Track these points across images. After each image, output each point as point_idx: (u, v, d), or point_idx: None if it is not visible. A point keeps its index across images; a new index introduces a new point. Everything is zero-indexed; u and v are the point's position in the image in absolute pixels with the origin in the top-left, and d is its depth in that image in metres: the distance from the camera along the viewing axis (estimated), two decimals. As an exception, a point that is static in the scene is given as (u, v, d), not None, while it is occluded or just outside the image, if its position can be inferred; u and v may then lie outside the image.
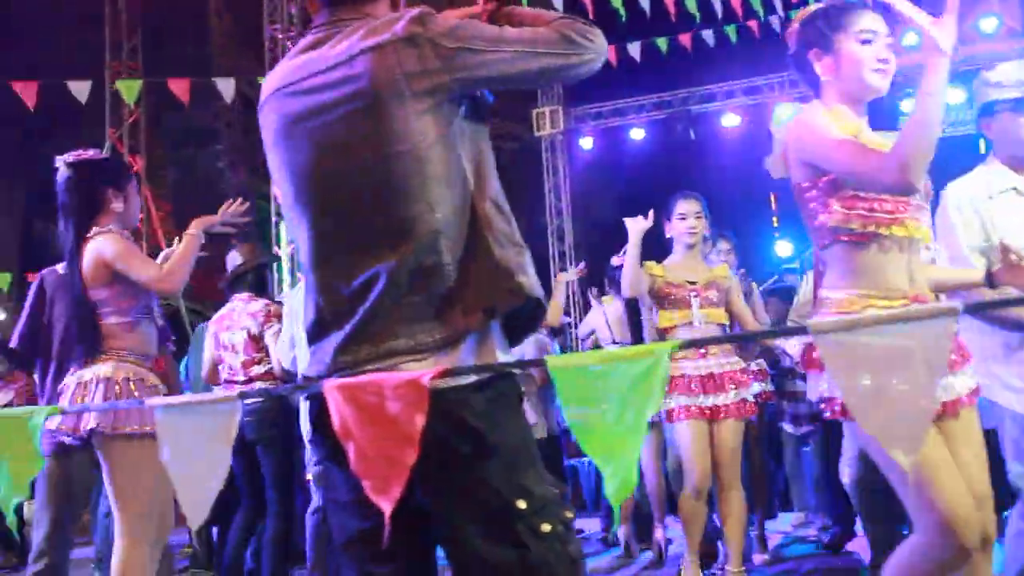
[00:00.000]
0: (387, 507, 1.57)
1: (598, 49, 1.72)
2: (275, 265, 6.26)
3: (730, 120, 13.23)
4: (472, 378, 1.59)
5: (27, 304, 3.63)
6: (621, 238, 4.22)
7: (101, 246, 3.10)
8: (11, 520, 1.91)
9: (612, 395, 1.47)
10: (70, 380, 3.11)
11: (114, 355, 3.09)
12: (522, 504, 1.61)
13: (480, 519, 1.60)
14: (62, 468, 3.52)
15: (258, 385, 4.59)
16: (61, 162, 3.24)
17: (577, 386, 1.50)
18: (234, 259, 4.88)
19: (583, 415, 1.49)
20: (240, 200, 3.44)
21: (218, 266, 5.06)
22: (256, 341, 4.63)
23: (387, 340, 1.62)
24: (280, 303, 4.78)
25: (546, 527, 1.61)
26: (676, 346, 1.49)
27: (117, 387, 3.00)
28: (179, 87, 7.91)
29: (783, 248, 14.24)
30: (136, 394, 2.98)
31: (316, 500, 4.42)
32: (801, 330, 1.58)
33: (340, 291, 1.66)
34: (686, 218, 4.23)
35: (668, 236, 4.33)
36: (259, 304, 4.69)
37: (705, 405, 4.00)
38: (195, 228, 3.25)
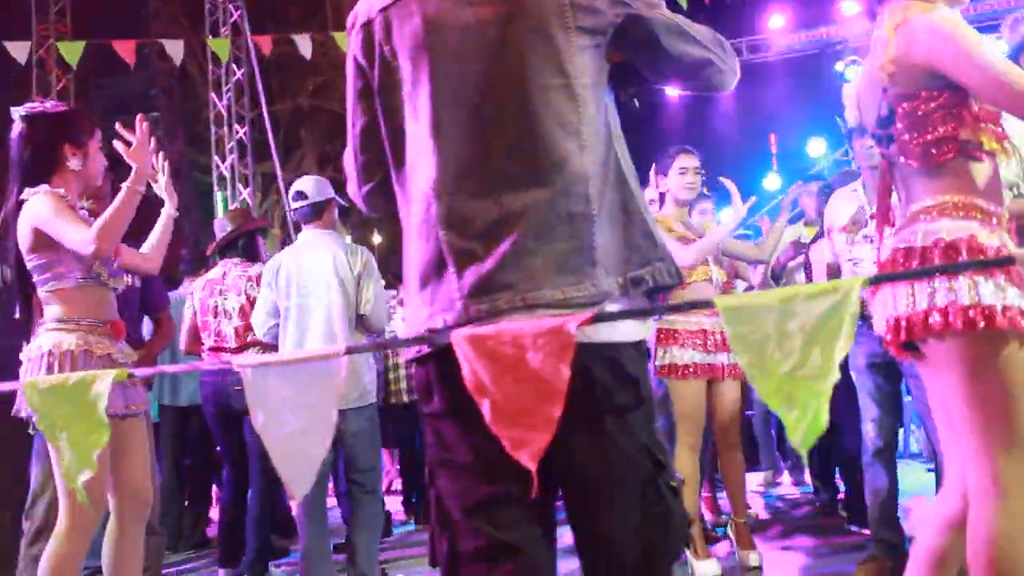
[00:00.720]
0: (532, 464, 1.43)
1: (736, 70, 1.67)
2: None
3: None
4: (631, 331, 1.50)
5: None
6: None
7: (32, 208, 2.81)
8: (82, 498, 1.70)
9: (793, 336, 1.35)
10: (23, 356, 2.87)
11: (58, 325, 2.84)
12: (660, 458, 1.55)
13: (627, 473, 1.50)
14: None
15: (251, 352, 4.37)
16: (16, 114, 2.95)
17: (752, 328, 1.38)
18: (223, 225, 4.65)
19: (759, 360, 1.37)
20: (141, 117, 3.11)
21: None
22: (253, 306, 4.41)
23: (531, 289, 1.48)
24: None
25: (674, 483, 1.57)
26: (866, 281, 1.37)
27: (58, 361, 2.75)
28: (124, 49, 7.50)
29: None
30: (80, 366, 2.75)
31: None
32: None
33: (473, 225, 1.51)
34: (686, 173, 4.15)
35: (661, 191, 4.25)
36: (257, 268, 4.47)
37: (706, 363, 3.99)
38: (132, 181, 2.88)
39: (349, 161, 1.75)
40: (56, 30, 10.67)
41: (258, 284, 4.38)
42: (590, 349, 1.44)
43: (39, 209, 2.79)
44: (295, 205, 4.21)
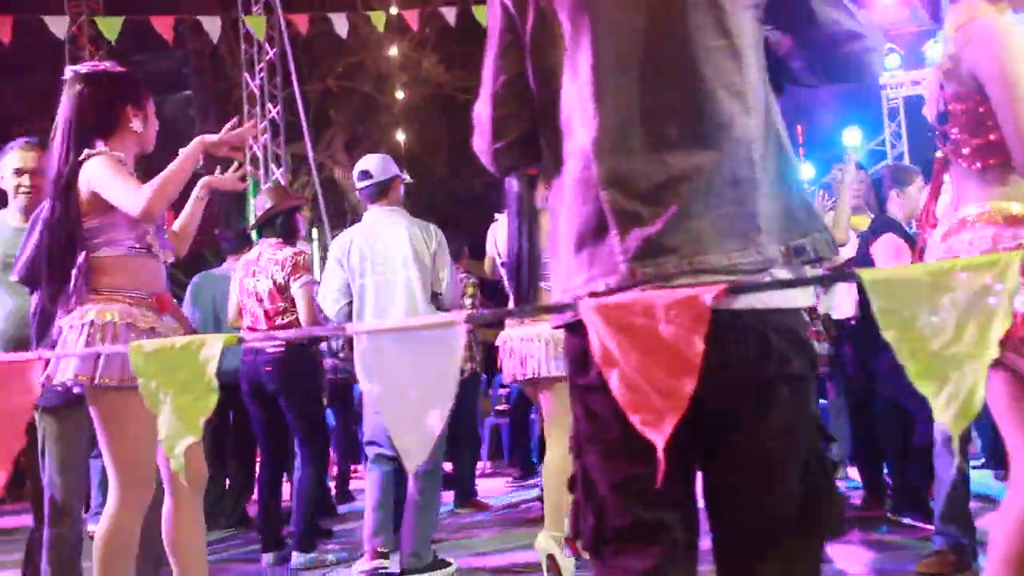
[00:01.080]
0: (660, 441, 1.39)
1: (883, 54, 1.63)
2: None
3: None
4: (802, 298, 1.47)
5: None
6: None
7: (91, 169, 2.75)
8: (178, 467, 1.66)
9: (946, 311, 1.31)
10: (62, 323, 2.81)
11: (103, 295, 2.78)
12: (824, 429, 1.52)
13: (796, 444, 1.45)
14: (59, 424, 3.29)
15: (282, 334, 4.37)
16: (72, 73, 2.90)
17: (900, 303, 1.33)
18: (263, 202, 4.63)
19: (908, 335, 1.32)
20: (252, 121, 3.08)
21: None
22: (281, 292, 4.40)
23: (697, 254, 1.43)
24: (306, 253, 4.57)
25: (832, 458, 1.51)
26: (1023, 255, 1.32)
27: (99, 332, 2.70)
28: (163, 24, 7.47)
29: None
30: (120, 339, 2.69)
31: (381, 450, 4.22)
32: None
33: (637, 186, 1.45)
34: None
35: None
36: (287, 252, 4.46)
37: None
38: (192, 147, 2.86)
39: (482, 115, 1.67)
40: (88, 7, 10.66)
41: (283, 268, 4.36)
42: (765, 315, 1.41)
43: (97, 170, 2.75)
44: (360, 185, 4.25)
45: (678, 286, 1.41)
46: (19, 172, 3.47)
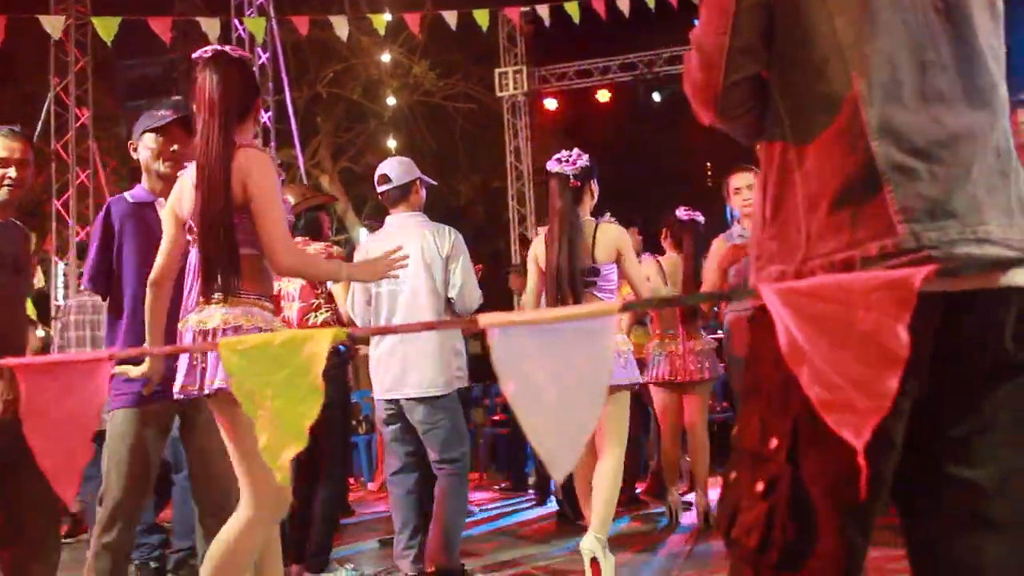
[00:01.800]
0: (859, 444, 1.21)
1: None
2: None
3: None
4: None
5: (95, 239, 3.13)
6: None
7: (254, 167, 2.54)
8: (283, 478, 1.46)
9: None
10: (191, 321, 2.58)
11: (247, 297, 2.57)
12: None
13: None
14: (145, 424, 3.06)
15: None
16: (218, 53, 2.66)
17: None
18: (285, 201, 4.43)
19: None
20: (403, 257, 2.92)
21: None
22: (315, 287, 4.21)
23: (978, 223, 1.27)
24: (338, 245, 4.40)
25: None
26: None
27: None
28: (160, 26, 7.24)
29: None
30: None
31: (396, 462, 4.05)
32: None
33: (912, 140, 1.29)
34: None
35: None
36: (317, 247, 4.27)
37: None
38: (346, 267, 2.88)
39: (711, 44, 1.41)
40: (76, 10, 10.40)
41: None
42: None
43: (263, 172, 2.55)
44: (381, 189, 4.15)
45: (960, 255, 1.26)
46: (3, 162, 3.22)
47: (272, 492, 2.53)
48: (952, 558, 1.33)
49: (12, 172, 3.20)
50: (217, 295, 2.54)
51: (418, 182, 4.14)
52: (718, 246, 4.13)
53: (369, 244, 4.16)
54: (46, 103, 10.82)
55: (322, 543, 4.17)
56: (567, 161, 4.04)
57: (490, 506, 6.77)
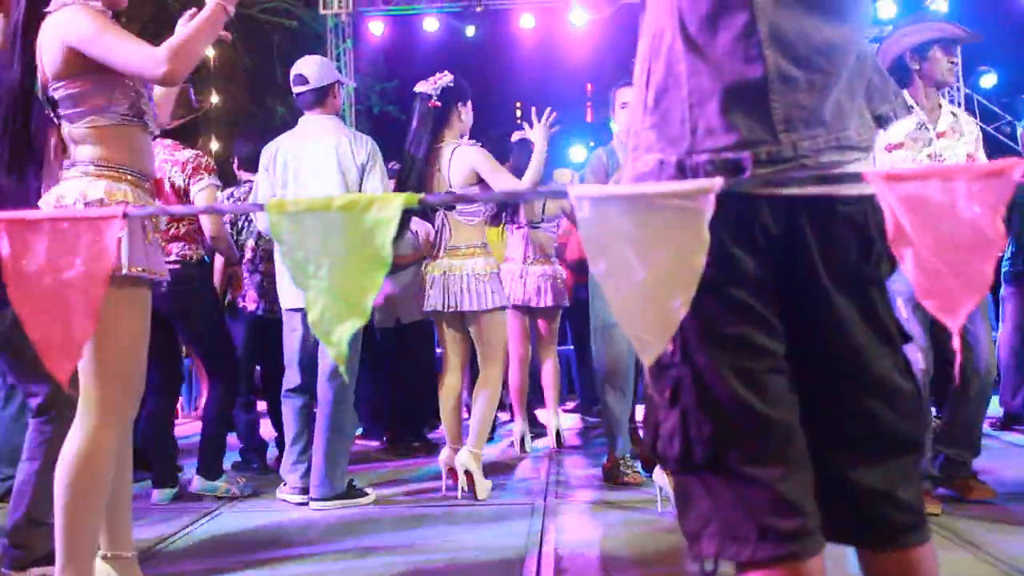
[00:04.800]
0: (955, 326, 1.26)
1: None
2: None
3: (527, 22, 13.06)
4: None
5: None
6: (403, 132, 4.09)
7: (64, 22, 2.25)
8: (339, 355, 1.31)
9: None
10: (48, 198, 2.32)
11: (95, 170, 2.31)
12: None
13: None
14: None
15: (176, 249, 3.89)
16: None
17: None
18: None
19: None
20: None
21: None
22: (179, 196, 3.92)
23: (841, 129, 1.38)
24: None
25: None
26: None
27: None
28: None
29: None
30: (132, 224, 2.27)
31: (296, 379, 3.88)
32: None
33: (796, 50, 1.36)
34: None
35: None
36: (187, 154, 4.00)
37: None
38: None
39: None
40: None
41: (183, 170, 3.94)
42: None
43: (76, 24, 2.23)
44: (297, 90, 3.98)
45: (826, 163, 1.37)
46: None
47: (123, 390, 2.31)
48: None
49: None
50: (76, 168, 2.31)
51: (336, 86, 3.99)
52: (597, 159, 4.13)
53: (282, 142, 3.91)
54: None
55: (213, 449, 4.02)
56: (432, 82, 3.99)
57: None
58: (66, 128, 2.33)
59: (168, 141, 4.05)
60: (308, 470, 3.89)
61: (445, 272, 3.94)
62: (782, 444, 1.34)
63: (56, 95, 2.31)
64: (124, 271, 2.25)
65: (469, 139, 4.08)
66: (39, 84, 2.33)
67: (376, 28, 13.41)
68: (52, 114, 2.35)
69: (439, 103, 3.97)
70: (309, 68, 3.95)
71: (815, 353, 1.39)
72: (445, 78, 4.01)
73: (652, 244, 1.32)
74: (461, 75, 4.12)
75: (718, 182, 1.29)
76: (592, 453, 5.16)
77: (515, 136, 5.29)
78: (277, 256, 4.02)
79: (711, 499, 1.35)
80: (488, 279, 3.94)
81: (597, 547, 3.13)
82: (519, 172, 4.40)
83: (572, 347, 7.16)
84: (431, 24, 13.32)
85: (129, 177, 2.34)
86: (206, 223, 4.02)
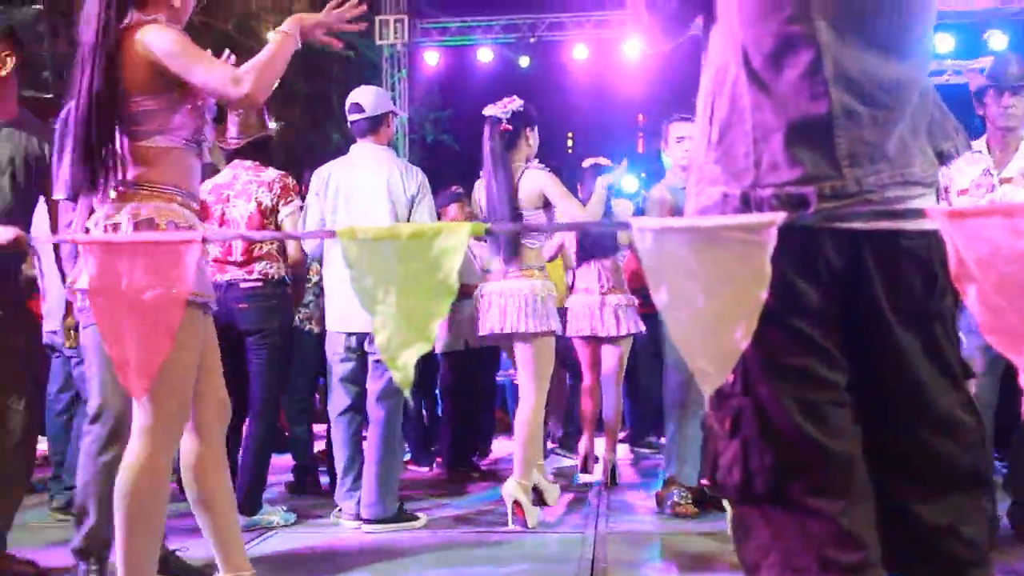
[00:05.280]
0: (1020, 362, 1.26)
1: None
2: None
3: (580, 52, 13.15)
4: None
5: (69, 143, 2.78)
6: (458, 161, 4.19)
7: (150, 38, 2.31)
8: (404, 379, 1.35)
9: None
10: (91, 223, 2.34)
11: (156, 192, 2.34)
12: None
13: None
14: None
15: (259, 267, 3.94)
16: None
17: None
18: (234, 123, 4.17)
19: None
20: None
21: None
22: (265, 216, 4.00)
23: (905, 166, 1.39)
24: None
25: None
26: None
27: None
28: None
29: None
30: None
31: (344, 401, 3.93)
32: None
33: (861, 87, 1.37)
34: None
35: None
36: (272, 174, 4.09)
37: None
38: (290, 26, 2.46)
39: None
40: None
41: (270, 190, 4.02)
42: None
43: (160, 40, 2.30)
44: (352, 118, 4.06)
45: (890, 198, 1.37)
46: None
47: (174, 411, 2.33)
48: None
49: None
50: (132, 190, 2.34)
51: (390, 115, 4.09)
52: (659, 194, 4.18)
53: (334, 168, 4.01)
54: None
55: (254, 483, 4.01)
56: (501, 105, 4.06)
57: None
58: (126, 145, 2.36)
59: (249, 163, 4.11)
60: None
61: (504, 294, 3.97)
62: (844, 476, 1.35)
63: (128, 110, 2.35)
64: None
65: (538, 162, 4.15)
66: (114, 98, 2.36)
67: (431, 58, 13.60)
68: (118, 129, 2.38)
69: (509, 127, 4.05)
70: (365, 97, 4.04)
71: (877, 386, 1.40)
72: (515, 102, 4.09)
73: (714, 276, 1.34)
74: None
75: (781, 216, 1.31)
76: (643, 484, 5.14)
77: (587, 162, 5.36)
78: (327, 279, 4.07)
79: (771, 530, 1.36)
80: (545, 302, 3.98)
81: (648, 578, 3.12)
82: (588, 197, 4.49)
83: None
84: (485, 55, 13.48)
85: (179, 199, 2.38)
86: (290, 245, 4.09)
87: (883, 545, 1.34)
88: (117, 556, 2.29)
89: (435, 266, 1.36)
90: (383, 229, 1.39)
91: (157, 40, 2.30)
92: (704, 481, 4.04)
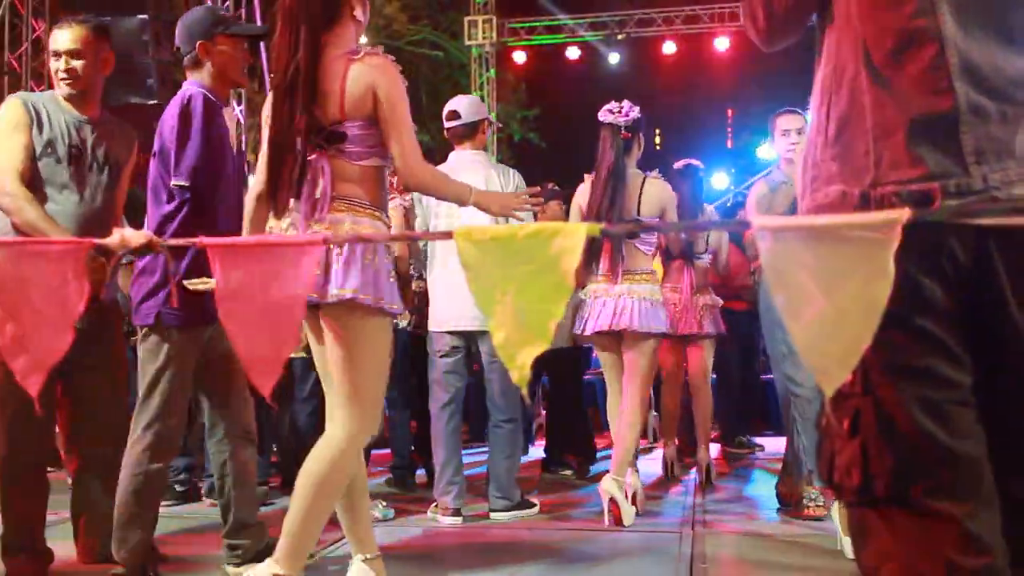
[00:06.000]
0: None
1: None
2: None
3: (668, 48, 13.05)
4: None
5: (197, 131, 2.85)
6: (544, 159, 4.24)
7: (381, 68, 2.44)
8: (521, 378, 1.37)
9: None
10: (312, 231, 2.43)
11: (370, 211, 2.48)
12: None
13: None
14: (195, 344, 2.94)
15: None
16: None
17: None
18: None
19: None
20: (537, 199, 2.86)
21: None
22: None
23: None
24: None
25: None
26: None
27: (371, 252, 2.38)
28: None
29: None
30: (382, 261, 2.44)
31: (444, 396, 4.04)
32: None
33: (987, 81, 1.32)
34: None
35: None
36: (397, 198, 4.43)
37: None
38: (477, 195, 2.66)
39: None
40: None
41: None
42: None
43: (389, 79, 2.44)
44: (449, 124, 4.23)
45: (1017, 195, 1.32)
46: (56, 55, 3.04)
47: (372, 408, 2.47)
48: None
49: (62, 64, 3.03)
50: (340, 203, 2.45)
51: (485, 122, 4.28)
52: (760, 191, 4.13)
53: None
54: (0, 11, 10.25)
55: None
56: (619, 112, 4.10)
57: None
58: (339, 163, 2.45)
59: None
60: (460, 491, 4.05)
61: (620, 295, 4.04)
62: (969, 478, 1.31)
63: (346, 131, 2.43)
64: (385, 306, 2.42)
65: (649, 171, 4.24)
66: (320, 117, 2.44)
67: (519, 57, 13.69)
68: (325, 147, 2.45)
69: (628, 134, 4.10)
70: (462, 105, 4.26)
71: (1003, 387, 1.36)
72: (635, 111, 4.13)
73: (835, 275, 1.32)
74: (602, 102, 4.23)
75: (906, 213, 1.28)
76: (737, 482, 5.08)
77: (678, 164, 5.38)
78: (431, 280, 4.18)
79: (892, 533, 1.33)
80: (655, 306, 4.06)
81: (749, 580, 3.08)
82: (681, 199, 4.60)
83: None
84: (573, 52, 13.50)
85: (380, 216, 2.51)
86: (393, 244, 4.24)
87: (1010, 548, 1.31)
88: (293, 525, 2.39)
89: (552, 266, 1.38)
90: (500, 230, 1.41)
91: (386, 77, 2.44)
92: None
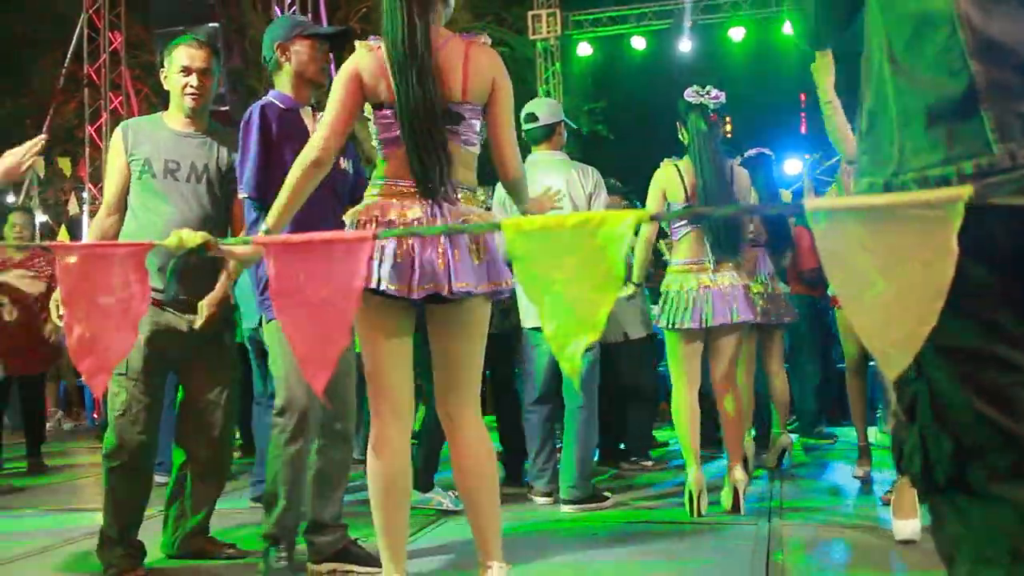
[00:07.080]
0: None
1: None
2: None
3: (737, 33, 12.85)
4: None
5: (253, 144, 2.94)
6: (612, 150, 4.20)
7: (495, 58, 2.48)
8: (572, 368, 1.36)
9: None
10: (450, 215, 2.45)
11: (475, 198, 2.52)
12: None
13: None
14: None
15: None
16: None
17: None
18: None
19: None
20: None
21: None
22: None
23: None
24: None
25: None
26: None
27: (478, 239, 2.42)
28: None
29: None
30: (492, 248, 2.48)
31: (540, 389, 4.26)
32: None
33: (1011, 56, 1.24)
34: None
35: None
36: None
37: None
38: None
39: None
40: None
41: None
42: None
43: (503, 71, 2.49)
44: (527, 127, 4.30)
45: None
46: (187, 71, 3.15)
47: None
48: None
49: (194, 80, 3.14)
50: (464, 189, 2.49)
51: (561, 124, 4.34)
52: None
53: None
54: (78, 26, 10.59)
55: (429, 460, 4.24)
56: (707, 94, 4.03)
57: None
58: (454, 146, 2.43)
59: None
60: (552, 476, 4.24)
61: (697, 287, 3.98)
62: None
63: (464, 113, 2.43)
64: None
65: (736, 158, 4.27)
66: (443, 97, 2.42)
67: (584, 50, 13.61)
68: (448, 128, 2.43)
69: (715, 115, 4.11)
70: (539, 108, 4.35)
71: None
72: (723, 94, 4.10)
73: (894, 257, 1.28)
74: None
75: (968, 189, 1.23)
76: (815, 474, 4.98)
77: (749, 152, 5.34)
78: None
79: (961, 520, 1.30)
80: (738, 294, 3.99)
81: (825, 571, 3.02)
82: (754, 187, 4.62)
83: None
84: (639, 42, 13.37)
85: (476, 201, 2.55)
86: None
87: None
88: (497, 523, 2.51)
89: (600, 255, 1.36)
90: (547, 219, 1.39)
91: (502, 67, 2.48)
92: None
